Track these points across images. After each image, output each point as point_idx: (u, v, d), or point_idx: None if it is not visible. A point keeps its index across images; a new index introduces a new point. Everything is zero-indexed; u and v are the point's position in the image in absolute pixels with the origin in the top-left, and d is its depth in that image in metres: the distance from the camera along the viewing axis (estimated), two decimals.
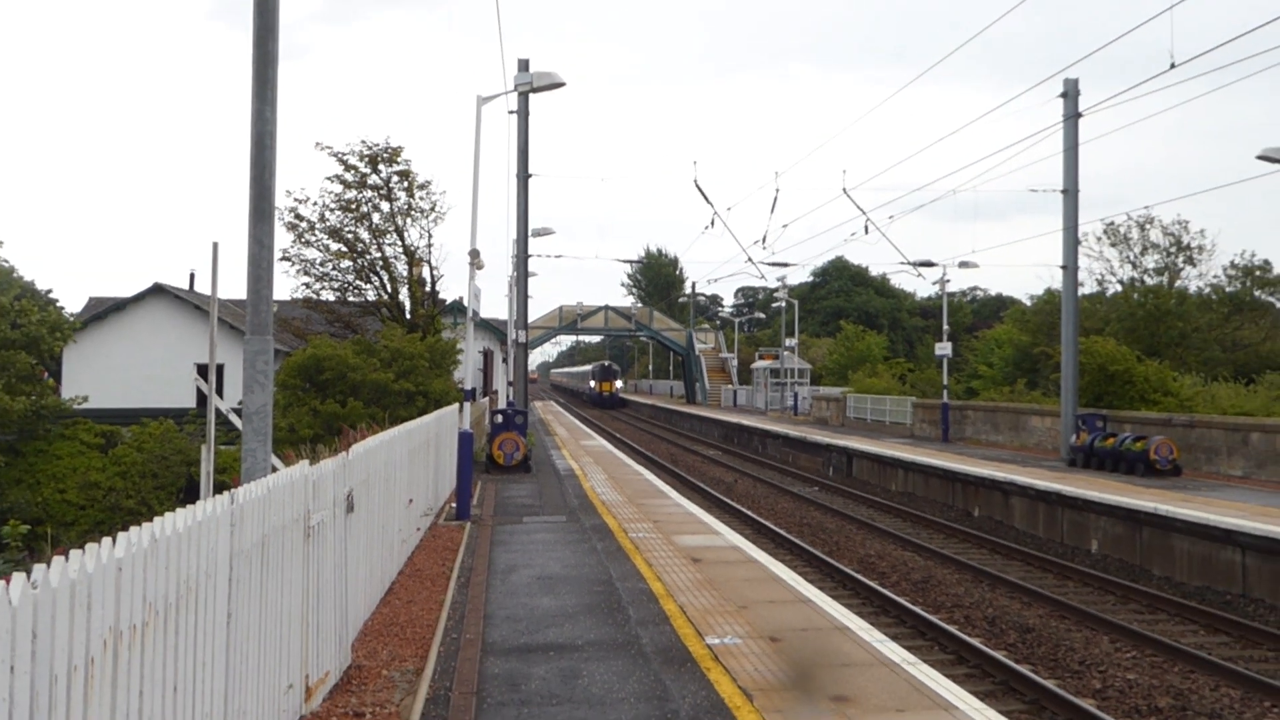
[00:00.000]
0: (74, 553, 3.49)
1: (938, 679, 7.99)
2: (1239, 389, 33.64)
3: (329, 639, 7.59)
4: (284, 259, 30.21)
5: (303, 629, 6.80)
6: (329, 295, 31.53)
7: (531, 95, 26.19)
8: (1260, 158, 21.21)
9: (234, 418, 12.40)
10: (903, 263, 33.50)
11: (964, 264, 33.40)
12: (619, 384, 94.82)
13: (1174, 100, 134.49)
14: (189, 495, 25.72)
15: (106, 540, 3.75)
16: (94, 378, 32.71)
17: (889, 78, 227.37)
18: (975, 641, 12.28)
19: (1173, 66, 18.69)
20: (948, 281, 37.73)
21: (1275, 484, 21.62)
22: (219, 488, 7.70)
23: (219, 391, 21.96)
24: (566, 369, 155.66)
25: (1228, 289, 45.39)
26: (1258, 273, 45.11)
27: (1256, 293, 45.45)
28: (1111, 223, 47.96)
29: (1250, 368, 40.09)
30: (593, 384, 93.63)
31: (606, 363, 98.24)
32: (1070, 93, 26.37)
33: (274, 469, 8.62)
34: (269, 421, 8.76)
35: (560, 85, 18.52)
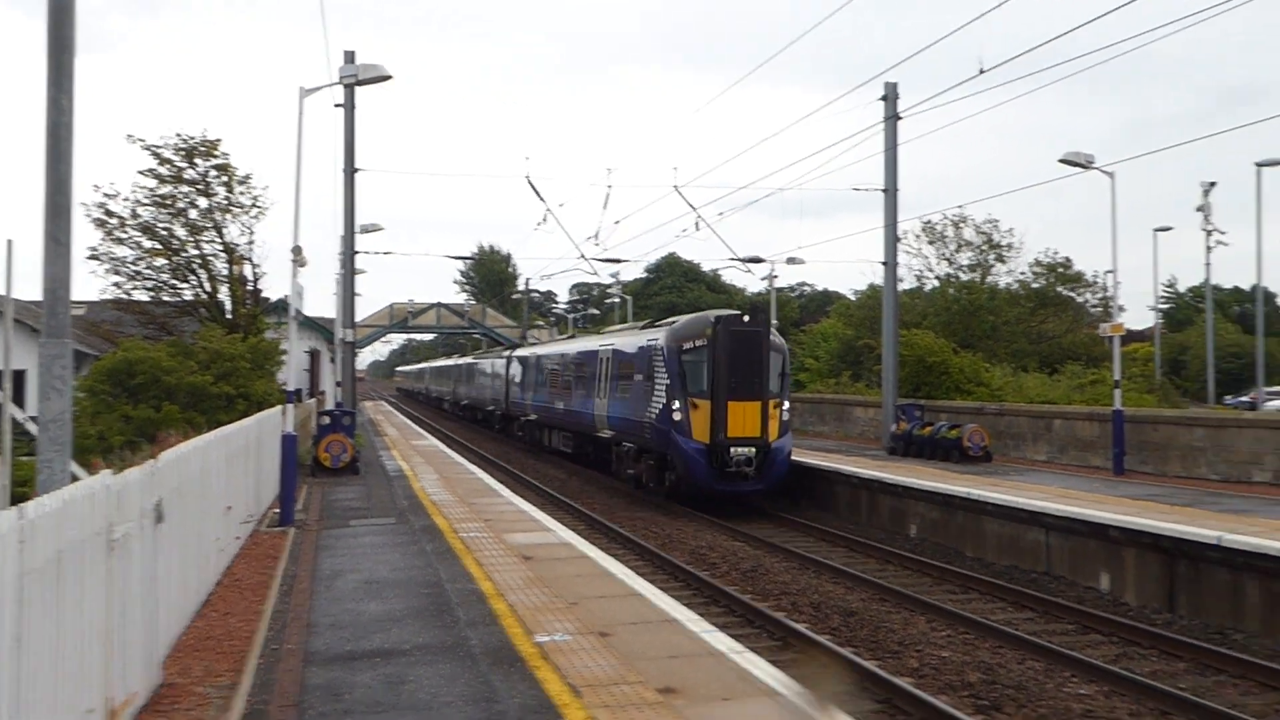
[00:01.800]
0: None
1: (763, 666, 8.19)
2: (1044, 379, 35.70)
3: (136, 657, 7.22)
4: (92, 257, 28.54)
5: (105, 649, 6.44)
6: (142, 295, 29.95)
7: (360, 89, 25.51)
8: (1062, 161, 22.59)
9: (32, 426, 11.67)
10: (733, 259, 34.05)
11: (791, 260, 34.37)
12: (787, 409, 23.22)
13: (985, 104, 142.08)
14: None
15: None
16: None
17: (719, 78, 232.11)
18: (800, 627, 12.65)
19: (981, 72, 19.69)
20: (776, 277, 38.69)
21: (1075, 467, 23.06)
22: (18, 501, 7.23)
23: (20, 400, 20.66)
24: (461, 361, 69.10)
25: (1033, 285, 47.99)
26: (1059, 269, 47.90)
27: (1059, 288, 48.20)
28: (929, 221, 49.88)
29: (1054, 358, 42.61)
30: (675, 406, 22.51)
31: (730, 313, 23.21)
32: (890, 95, 27.34)
33: (75, 479, 8.15)
34: (68, 430, 8.28)
35: (387, 78, 18.16)
